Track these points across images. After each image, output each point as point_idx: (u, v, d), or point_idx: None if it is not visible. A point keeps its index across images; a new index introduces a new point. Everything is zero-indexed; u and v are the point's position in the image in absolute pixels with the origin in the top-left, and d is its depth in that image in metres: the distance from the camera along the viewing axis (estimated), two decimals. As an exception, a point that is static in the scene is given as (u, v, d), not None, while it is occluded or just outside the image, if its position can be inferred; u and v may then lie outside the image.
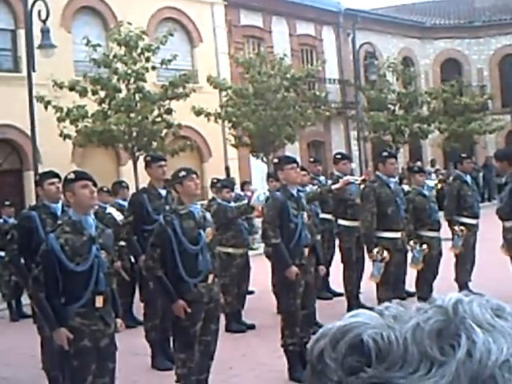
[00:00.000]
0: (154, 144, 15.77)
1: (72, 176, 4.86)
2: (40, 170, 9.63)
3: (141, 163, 14.14)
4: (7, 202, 11.99)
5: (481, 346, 0.61)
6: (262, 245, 15.59)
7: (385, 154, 8.27)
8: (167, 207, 6.83)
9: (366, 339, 0.64)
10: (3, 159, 18.75)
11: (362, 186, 8.43)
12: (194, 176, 5.65)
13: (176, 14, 21.18)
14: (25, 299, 10.37)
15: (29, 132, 14.89)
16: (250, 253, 9.58)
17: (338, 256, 9.52)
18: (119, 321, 4.98)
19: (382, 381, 0.62)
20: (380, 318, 0.67)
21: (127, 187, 10.35)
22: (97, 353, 4.74)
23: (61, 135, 15.37)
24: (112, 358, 4.87)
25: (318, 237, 8.31)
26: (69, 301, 4.73)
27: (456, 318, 0.64)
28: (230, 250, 8.55)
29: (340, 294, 9.53)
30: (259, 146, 18.47)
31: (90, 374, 4.70)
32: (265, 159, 18.49)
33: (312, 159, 11.29)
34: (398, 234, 7.86)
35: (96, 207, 7.06)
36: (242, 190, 18.04)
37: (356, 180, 8.80)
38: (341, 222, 9.31)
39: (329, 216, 9.67)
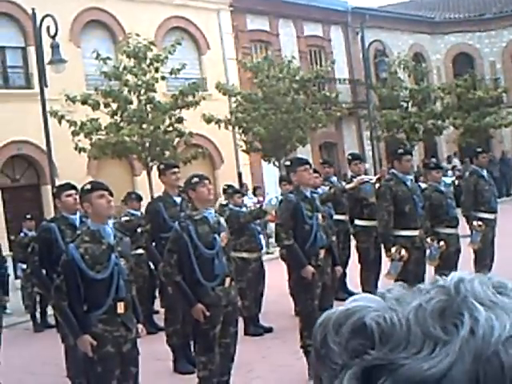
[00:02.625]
0: (167, 153, 15.93)
1: (89, 187, 5.00)
2: (57, 184, 9.78)
3: (155, 173, 14.31)
4: (28, 216, 12.20)
5: (483, 323, 0.61)
6: (278, 248, 15.77)
7: (400, 151, 8.22)
8: (182, 214, 6.96)
9: (368, 322, 0.64)
10: (20, 175, 18.99)
11: (378, 185, 8.45)
12: (207, 182, 5.77)
13: (183, 23, 21.36)
14: (50, 309, 10.56)
15: (44, 147, 15.10)
16: (267, 257, 9.68)
17: (354, 256, 9.58)
18: (140, 326, 5.11)
19: (386, 362, 0.62)
20: (382, 300, 0.67)
21: (137, 198, 10.50)
22: (120, 358, 4.87)
23: (76, 148, 15.57)
24: (135, 362, 5.00)
25: (333, 238, 8.39)
26: (91, 308, 4.87)
27: (458, 296, 0.63)
28: (245, 254, 8.64)
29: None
30: (270, 150, 18.54)
31: (114, 379, 4.83)
32: (277, 163, 18.57)
33: (321, 161, 11.38)
34: (415, 232, 7.77)
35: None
36: (254, 195, 18.15)
37: (371, 179, 8.84)
38: (357, 222, 9.33)
39: (343, 217, 9.72)
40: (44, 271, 6.55)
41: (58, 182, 11.89)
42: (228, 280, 5.69)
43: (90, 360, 4.82)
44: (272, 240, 16.41)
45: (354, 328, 0.64)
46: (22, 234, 12.10)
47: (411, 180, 8.29)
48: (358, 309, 0.66)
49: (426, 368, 0.60)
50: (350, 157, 9.77)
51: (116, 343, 4.86)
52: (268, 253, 14.34)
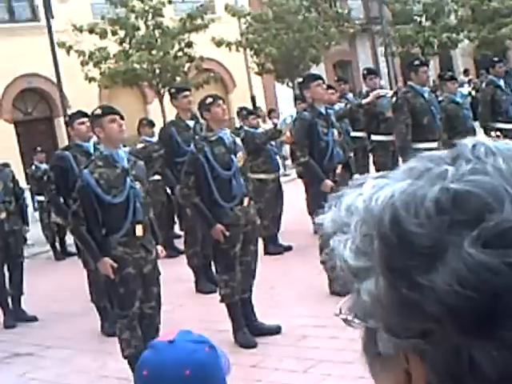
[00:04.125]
0: (178, 79, 15.78)
1: (99, 111, 4.94)
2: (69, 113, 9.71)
3: (167, 100, 14.19)
4: (39, 148, 12.21)
5: None
6: (294, 170, 15.75)
7: (416, 62, 8.05)
8: (197, 137, 6.91)
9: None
10: (32, 108, 18.95)
11: (394, 99, 8.33)
12: (221, 102, 5.68)
13: None
14: (69, 238, 10.70)
15: (54, 79, 15.00)
16: (284, 179, 9.65)
17: (372, 173, 9.53)
18: (160, 247, 5.14)
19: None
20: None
21: (149, 124, 10.43)
22: (141, 279, 4.91)
23: (86, 79, 15.45)
24: (156, 282, 5.04)
25: (351, 154, 8.32)
26: (110, 232, 4.88)
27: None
28: (262, 175, 8.61)
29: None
30: (283, 71, 18.29)
31: (137, 300, 4.89)
32: (290, 84, 18.35)
33: (336, 78, 11.20)
34: (434, 144, 7.66)
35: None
36: (269, 117, 18.01)
37: (387, 93, 8.71)
38: (374, 137, 9.23)
39: (360, 134, 9.62)
40: (61, 199, 6.59)
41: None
42: (246, 200, 5.67)
43: (111, 282, 4.86)
44: (288, 162, 16.39)
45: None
46: (33, 167, 12.14)
47: (428, 92, 8.17)
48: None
49: None
50: (365, 72, 9.59)
51: (137, 265, 4.89)
52: (285, 175, 14.29)
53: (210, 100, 5.68)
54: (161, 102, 15.82)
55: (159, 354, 1.57)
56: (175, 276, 7.43)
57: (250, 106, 18.51)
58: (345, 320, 0.67)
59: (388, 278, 0.60)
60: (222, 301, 5.68)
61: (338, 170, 6.52)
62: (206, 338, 1.63)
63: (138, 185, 4.94)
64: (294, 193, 10.18)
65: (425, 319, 0.58)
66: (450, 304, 0.56)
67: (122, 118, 4.92)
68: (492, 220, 0.57)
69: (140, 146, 9.30)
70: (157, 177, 8.60)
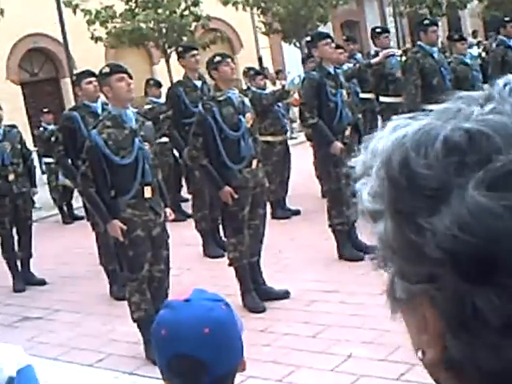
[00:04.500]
0: (184, 39, 15.58)
1: (107, 70, 4.83)
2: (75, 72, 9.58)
3: (173, 60, 14.03)
4: (46, 110, 12.12)
5: None
6: (302, 133, 15.65)
7: (426, 21, 7.94)
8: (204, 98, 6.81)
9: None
10: (39, 69, 18.81)
11: (404, 59, 8.19)
12: (229, 60, 5.57)
13: None
14: (77, 202, 10.67)
15: (61, 39, 14.82)
16: (291, 142, 9.55)
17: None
18: (168, 210, 5.08)
19: None
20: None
21: (156, 85, 10.28)
22: (150, 242, 4.87)
23: (92, 38, 15.28)
24: (165, 245, 5.00)
25: (360, 116, 8.20)
26: (118, 194, 4.82)
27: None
28: (269, 138, 8.50)
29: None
30: (291, 30, 18.04)
31: (146, 262, 4.84)
32: (298, 44, 18.11)
33: (345, 37, 10.99)
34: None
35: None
36: (277, 78, 17.81)
37: (396, 52, 8.55)
38: (383, 99, 9.09)
39: (369, 95, 9.47)
40: (69, 161, 6.53)
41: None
42: (255, 162, 5.59)
43: (121, 244, 4.82)
44: (295, 125, 16.26)
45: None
46: (41, 129, 12.06)
47: (438, 52, 8.04)
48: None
49: None
50: (378, 30, 9.36)
51: (146, 227, 4.84)
52: (292, 138, 14.18)
53: (218, 59, 5.58)
54: (167, 62, 15.66)
55: (176, 313, 1.54)
56: (182, 240, 7.39)
57: (257, 67, 18.35)
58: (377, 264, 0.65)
59: (395, 221, 0.59)
60: (230, 264, 5.65)
61: (348, 132, 6.41)
62: (221, 297, 1.61)
63: (146, 146, 4.87)
64: (301, 156, 10.10)
65: (430, 264, 0.57)
66: (450, 249, 0.55)
67: (130, 76, 4.82)
68: (499, 161, 0.55)
69: (147, 107, 9.22)
70: (164, 139, 8.51)
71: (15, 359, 1.52)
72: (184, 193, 9.67)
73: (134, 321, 4.97)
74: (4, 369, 1.49)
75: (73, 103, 13.48)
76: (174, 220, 5.46)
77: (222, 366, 1.51)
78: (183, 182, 9.31)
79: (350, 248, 6.44)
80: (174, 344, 1.51)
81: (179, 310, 1.54)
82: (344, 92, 6.40)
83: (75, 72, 6.95)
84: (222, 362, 1.51)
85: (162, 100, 9.27)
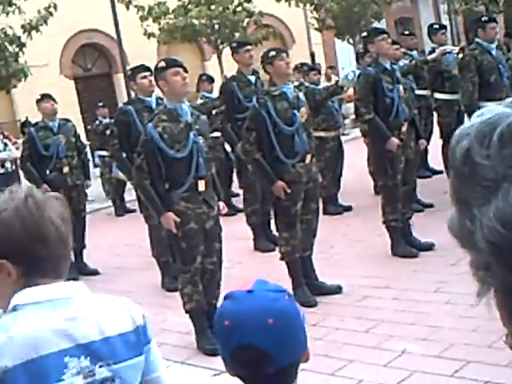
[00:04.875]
0: (237, 35, 15.61)
1: (163, 64, 4.87)
2: (131, 66, 9.70)
3: (225, 56, 14.10)
4: (101, 103, 12.31)
5: None
6: (354, 130, 15.52)
7: (484, 18, 7.80)
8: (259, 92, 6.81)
9: None
10: (92, 64, 19.10)
11: (461, 56, 8.06)
12: (284, 55, 5.54)
13: None
14: (129, 195, 10.81)
15: (114, 35, 15.01)
16: (343, 138, 9.49)
17: (436, 134, 9.29)
18: (221, 203, 5.10)
19: None
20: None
21: (208, 80, 10.33)
22: (203, 235, 4.89)
23: (145, 34, 15.44)
24: (218, 238, 5.01)
25: (416, 112, 8.09)
26: (173, 187, 4.86)
27: None
28: (322, 133, 8.46)
29: (439, 172, 9.39)
30: (344, 27, 17.91)
31: (199, 255, 4.87)
32: (351, 41, 17.99)
33: (407, 32, 10.86)
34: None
35: None
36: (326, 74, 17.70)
37: (453, 49, 8.41)
38: (439, 96, 8.96)
39: (424, 92, 9.34)
40: (124, 154, 6.60)
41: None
42: (309, 157, 5.57)
43: (174, 237, 4.86)
44: (347, 121, 16.15)
45: (504, 136, 0.58)
46: (96, 122, 12.26)
47: (496, 49, 7.88)
48: (498, 118, 0.60)
49: None
50: (436, 26, 9.23)
51: (199, 220, 4.87)
52: (343, 134, 14.09)
53: (273, 53, 5.56)
54: (219, 58, 15.73)
55: (239, 304, 1.53)
56: (233, 234, 7.42)
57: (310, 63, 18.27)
58: None
59: (458, 209, 0.60)
60: (282, 258, 5.64)
61: (404, 128, 6.34)
62: (284, 288, 1.59)
63: (201, 140, 4.89)
64: (353, 153, 10.03)
65: (483, 253, 0.57)
66: (492, 241, 0.55)
67: (185, 70, 4.85)
68: None
69: (199, 102, 9.27)
70: (216, 133, 8.55)
71: (140, 309, 1.66)
72: (234, 188, 9.72)
73: (186, 312, 5.01)
74: (136, 319, 1.62)
75: (125, 98, 13.68)
76: (224, 214, 5.47)
77: (286, 357, 1.50)
78: (234, 177, 9.36)
79: (403, 245, 6.38)
80: (238, 335, 1.50)
81: (242, 300, 1.53)
82: (401, 87, 6.33)
83: (130, 67, 7.01)
84: (286, 353, 1.50)
85: (214, 95, 9.32)
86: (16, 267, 1.59)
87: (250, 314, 1.50)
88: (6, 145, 12.38)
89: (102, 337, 1.60)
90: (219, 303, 5.19)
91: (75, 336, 1.57)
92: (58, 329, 1.56)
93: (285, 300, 1.53)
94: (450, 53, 8.26)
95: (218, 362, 4.63)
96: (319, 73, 8.93)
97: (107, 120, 11.72)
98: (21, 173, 9.53)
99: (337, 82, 7.43)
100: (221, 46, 15.59)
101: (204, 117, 5.16)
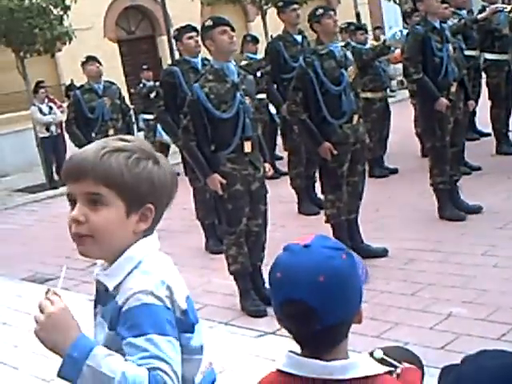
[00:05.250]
0: (281, -5, 15.38)
1: (210, 22, 4.80)
2: (177, 26, 9.67)
3: (270, 16, 13.94)
4: (145, 66, 12.31)
5: None
6: (400, 91, 15.27)
7: None
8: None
9: None
10: (135, 27, 19.07)
11: (512, 15, 7.82)
12: (332, 13, 5.43)
13: None
14: (172, 158, 10.83)
15: (157, -4, 14.96)
16: (389, 100, 9.33)
17: (484, 95, 9.08)
18: (267, 165, 5.05)
19: None
20: None
21: (253, 41, 10.21)
22: (249, 196, 4.86)
23: (188, -4, 15.34)
24: (264, 200, 4.97)
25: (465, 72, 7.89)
26: (218, 148, 4.82)
27: None
28: (369, 94, 8.33)
29: (487, 134, 9.20)
30: (391, -14, 17.56)
31: (244, 216, 4.85)
32: (397, 0, 17.61)
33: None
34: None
35: None
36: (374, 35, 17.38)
37: (505, 8, 8.14)
38: (488, 56, 8.73)
39: (474, 52, 9.11)
40: (169, 116, 6.58)
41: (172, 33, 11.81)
42: (356, 117, 5.47)
43: (220, 198, 4.85)
44: (394, 83, 15.88)
45: None
46: (140, 85, 12.28)
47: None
48: None
49: None
50: None
51: (245, 181, 4.84)
52: (390, 96, 13.87)
53: (320, 11, 5.45)
54: (263, 19, 15.54)
55: (293, 257, 1.51)
56: (277, 197, 7.38)
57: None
58: None
59: None
60: (327, 221, 5.60)
61: (453, 88, 6.19)
62: (343, 246, 1.55)
63: (247, 100, 4.84)
64: (399, 114, 9.87)
65: None
66: None
67: (232, 29, 4.78)
68: None
69: (243, 63, 9.18)
70: (261, 95, 8.47)
71: (184, 290, 1.62)
72: (278, 151, 9.65)
73: (231, 273, 5.02)
74: (180, 304, 1.57)
75: (169, 61, 13.64)
76: (268, 177, 5.43)
77: (334, 316, 1.47)
78: (278, 140, 9.30)
79: (451, 208, 6.28)
80: (287, 288, 1.49)
81: (297, 254, 1.51)
82: (450, 47, 6.17)
83: (176, 27, 6.96)
84: (335, 312, 1.47)
85: (259, 56, 9.23)
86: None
87: (301, 269, 1.48)
88: (51, 108, 12.52)
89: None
90: (263, 265, 5.18)
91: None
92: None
93: (341, 259, 1.50)
94: (501, 11, 8.00)
95: (261, 324, 4.69)
96: (366, 32, 8.74)
97: (151, 83, 11.74)
98: (66, 136, 9.63)
99: (384, 41, 7.24)
100: (265, 7, 15.38)
101: (251, 77, 5.09)
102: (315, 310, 1.45)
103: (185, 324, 1.58)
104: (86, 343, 1.45)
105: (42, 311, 1.47)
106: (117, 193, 1.56)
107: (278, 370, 1.56)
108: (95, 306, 1.69)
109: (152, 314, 1.49)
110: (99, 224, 1.56)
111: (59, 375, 1.45)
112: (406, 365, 1.68)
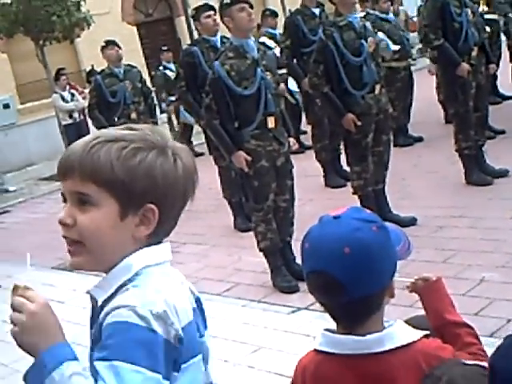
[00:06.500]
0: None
1: (228, 0, 4.78)
2: (195, 6, 9.64)
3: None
4: (164, 48, 12.29)
5: None
6: (420, 59, 15.08)
7: None
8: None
9: None
10: (153, 9, 19.04)
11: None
12: (350, -17, 5.40)
13: None
14: (196, 139, 10.87)
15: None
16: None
17: (506, 58, 8.96)
18: (292, 140, 5.05)
19: None
20: None
21: (272, 15, 10.13)
22: (275, 171, 4.87)
23: (203, -25, 15.23)
24: (290, 175, 4.98)
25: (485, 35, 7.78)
26: (242, 125, 4.82)
27: None
28: (393, 63, 8.24)
29: (509, 98, 9.10)
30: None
31: (271, 192, 4.86)
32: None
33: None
34: None
35: None
36: (392, 4, 17.13)
37: None
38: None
39: (493, 16, 8.99)
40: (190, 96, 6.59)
41: (190, 13, 11.78)
42: (378, 87, 5.45)
43: (246, 175, 4.86)
44: (413, 50, 15.66)
45: None
46: (161, 67, 12.27)
47: None
48: None
49: None
50: None
51: (270, 157, 4.84)
52: (412, 64, 13.70)
53: None
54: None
55: (322, 229, 1.51)
56: (303, 171, 7.39)
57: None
58: None
59: None
60: (354, 193, 5.60)
61: (474, 53, 6.12)
62: (377, 218, 1.53)
63: (268, 75, 4.83)
64: (420, 83, 9.77)
65: None
66: None
67: (251, 6, 4.77)
68: None
69: (263, 38, 9.15)
70: (281, 70, 8.44)
71: (186, 316, 1.35)
72: (302, 125, 9.63)
73: (261, 250, 5.04)
74: (176, 330, 1.29)
75: (188, 41, 13.62)
76: (293, 152, 5.43)
77: (361, 289, 1.45)
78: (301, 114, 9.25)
79: (477, 172, 6.25)
80: (313, 259, 1.49)
81: (325, 225, 1.50)
82: (469, 11, 6.10)
83: (193, 7, 6.95)
84: (361, 285, 1.45)
85: (278, 31, 9.18)
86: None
87: (327, 240, 1.47)
88: (72, 95, 12.60)
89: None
90: (293, 240, 5.16)
91: (193, 298, 1.41)
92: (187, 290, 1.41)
93: (370, 231, 1.47)
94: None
95: (294, 300, 4.70)
96: (389, 0, 8.53)
97: (171, 65, 11.75)
98: (89, 122, 9.69)
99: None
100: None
101: (271, 52, 5.11)
102: (339, 282, 1.44)
103: (176, 355, 1.29)
104: (62, 352, 1.22)
105: (19, 311, 1.24)
106: (107, 190, 1.31)
107: (315, 350, 1.56)
108: (91, 327, 1.39)
109: (126, 335, 1.22)
110: (85, 226, 1.32)
111: (25, 378, 1.24)
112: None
